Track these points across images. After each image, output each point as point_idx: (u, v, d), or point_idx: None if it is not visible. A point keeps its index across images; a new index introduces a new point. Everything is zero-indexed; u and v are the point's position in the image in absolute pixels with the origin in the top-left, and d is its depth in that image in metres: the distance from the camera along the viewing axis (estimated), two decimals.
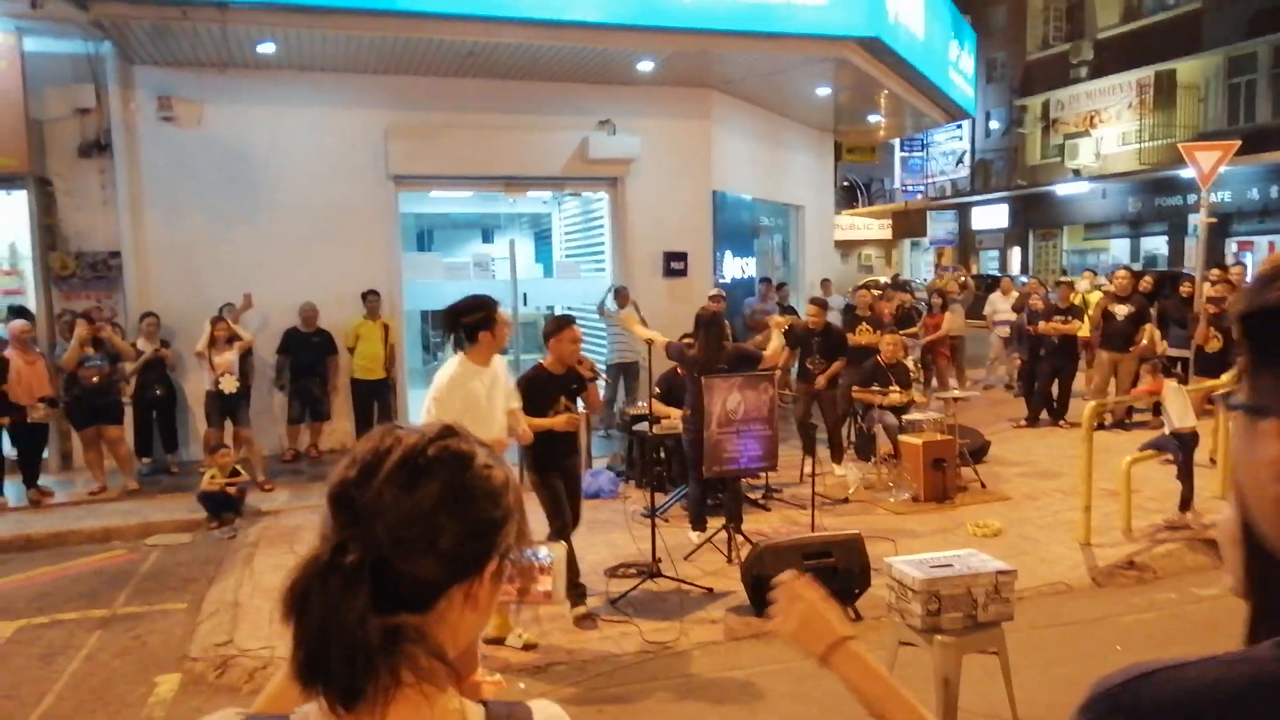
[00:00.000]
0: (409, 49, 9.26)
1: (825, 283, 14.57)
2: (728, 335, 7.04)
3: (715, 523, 6.78)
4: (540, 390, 5.37)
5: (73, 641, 5.49)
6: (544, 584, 1.31)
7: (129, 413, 8.97)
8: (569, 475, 5.54)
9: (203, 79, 9.48)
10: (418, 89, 10.19)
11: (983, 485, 8.20)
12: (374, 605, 0.94)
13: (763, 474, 7.80)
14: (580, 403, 5.72)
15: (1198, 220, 9.71)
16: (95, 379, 8.33)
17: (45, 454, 8.87)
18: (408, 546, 0.96)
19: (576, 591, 5.46)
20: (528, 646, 5.11)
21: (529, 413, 5.22)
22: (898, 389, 8.41)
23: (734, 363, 6.68)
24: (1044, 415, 10.82)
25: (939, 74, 13.13)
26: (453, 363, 4.84)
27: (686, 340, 7.18)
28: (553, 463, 5.41)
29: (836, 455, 8.82)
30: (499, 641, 5.08)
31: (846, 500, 7.94)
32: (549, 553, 1.32)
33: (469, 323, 4.78)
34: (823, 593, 1.33)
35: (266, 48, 9.01)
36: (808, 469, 8.26)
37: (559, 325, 5.56)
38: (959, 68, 14.46)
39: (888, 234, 32.56)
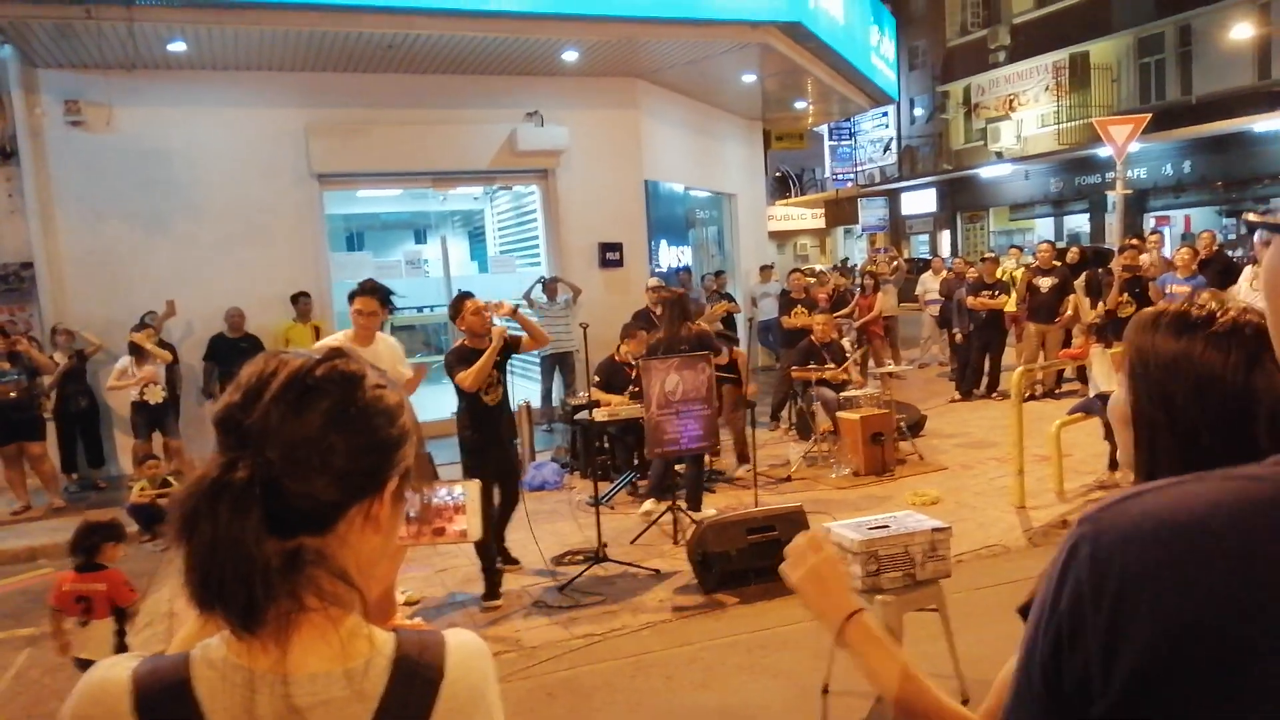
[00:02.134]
0: (325, 44, 9.07)
1: (765, 269, 14.65)
2: (691, 316, 7.13)
3: (661, 505, 6.78)
4: (468, 363, 5.56)
5: None
6: (459, 523, 1.28)
7: (51, 429, 8.64)
8: (501, 461, 5.72)
9: (111, 81, 9.16)
10: (338, 85, 9.99)
11: (920, 457, 8.34)
12: (271, 528, 0.91)
13: (707, 455, 7.82)
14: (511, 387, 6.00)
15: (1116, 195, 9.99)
16: (13, 394, 8.03)
17: None
18: (301, 467, 0.93)
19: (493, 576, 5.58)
20: (409, 603, 5.39)
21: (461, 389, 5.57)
22: (833, 365, 8.52)
23: (695, 345, 6.77)
24: (978, 390, 11.05)
25: (861, 59, 13.31)
26: (336, 337, 5.39)
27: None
28: (484, 447, 5.59)
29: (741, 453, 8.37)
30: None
31: (789, 479, 8.00)
32: (462, 491, 1.29)
33: None
34: (836, 554, 1.33)
35: (177, 46, 8.75)
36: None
37: (456, 305, 5.76)
38: (880, 53, 14.68)
39: (821, 223, 32.90)
